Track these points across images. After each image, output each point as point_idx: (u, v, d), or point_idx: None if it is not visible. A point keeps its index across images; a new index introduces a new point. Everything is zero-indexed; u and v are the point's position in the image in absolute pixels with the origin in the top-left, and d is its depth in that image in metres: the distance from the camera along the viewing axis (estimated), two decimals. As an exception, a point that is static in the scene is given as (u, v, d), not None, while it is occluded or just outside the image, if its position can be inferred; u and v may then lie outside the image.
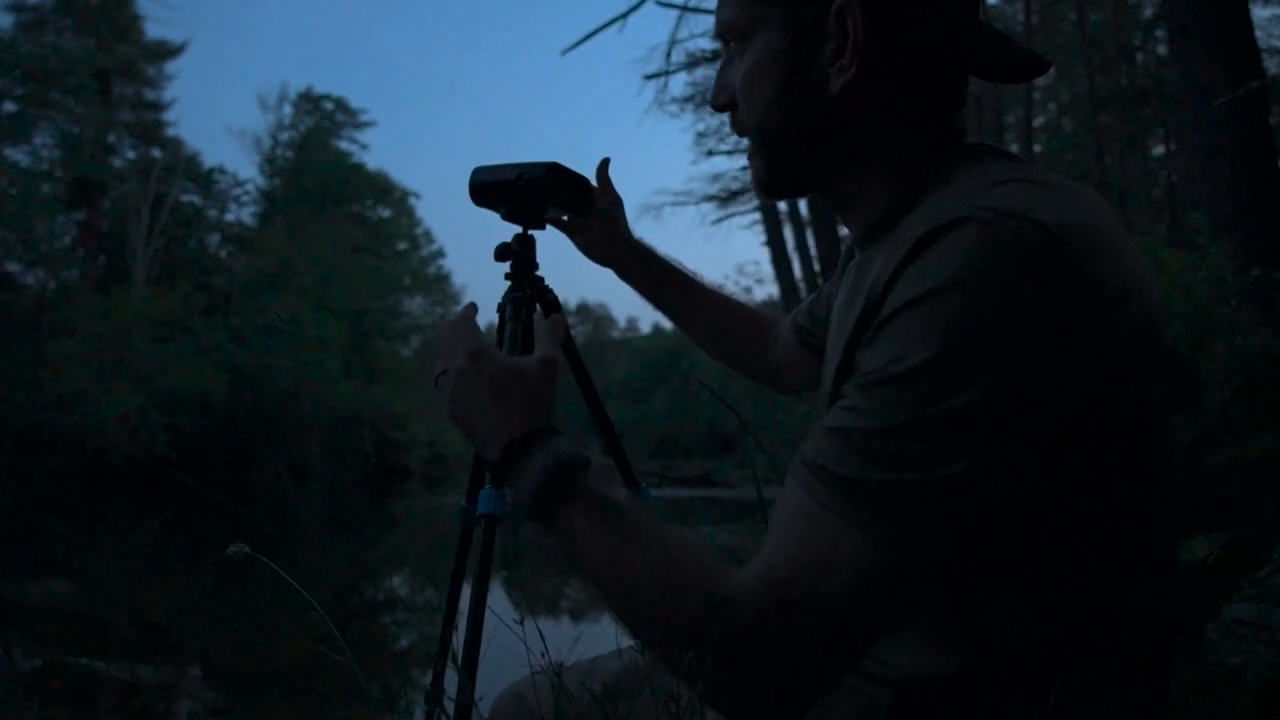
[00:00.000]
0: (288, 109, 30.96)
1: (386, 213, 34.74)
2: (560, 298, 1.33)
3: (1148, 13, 16.65)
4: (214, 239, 29.10)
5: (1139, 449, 0.61)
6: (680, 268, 1.21)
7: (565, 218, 1.23)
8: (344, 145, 32.13)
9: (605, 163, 1.20)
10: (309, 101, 31.47)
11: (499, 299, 1.29)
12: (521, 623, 0.67)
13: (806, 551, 0.57)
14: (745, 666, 0.57)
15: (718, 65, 0.78)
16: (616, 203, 1.20)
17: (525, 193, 1.17)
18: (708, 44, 13.89)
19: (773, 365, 1.16)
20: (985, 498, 0.56)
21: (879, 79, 0.68)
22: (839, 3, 0.66)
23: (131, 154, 26.60)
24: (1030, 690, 0.59)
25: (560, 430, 0.72)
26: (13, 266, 21.14)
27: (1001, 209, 0.56)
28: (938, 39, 0.67)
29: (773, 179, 0.77)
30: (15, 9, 23.84)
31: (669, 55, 13.20)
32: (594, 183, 1.20)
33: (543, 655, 0.73)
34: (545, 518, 0.67)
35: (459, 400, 0.76)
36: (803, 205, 14.21)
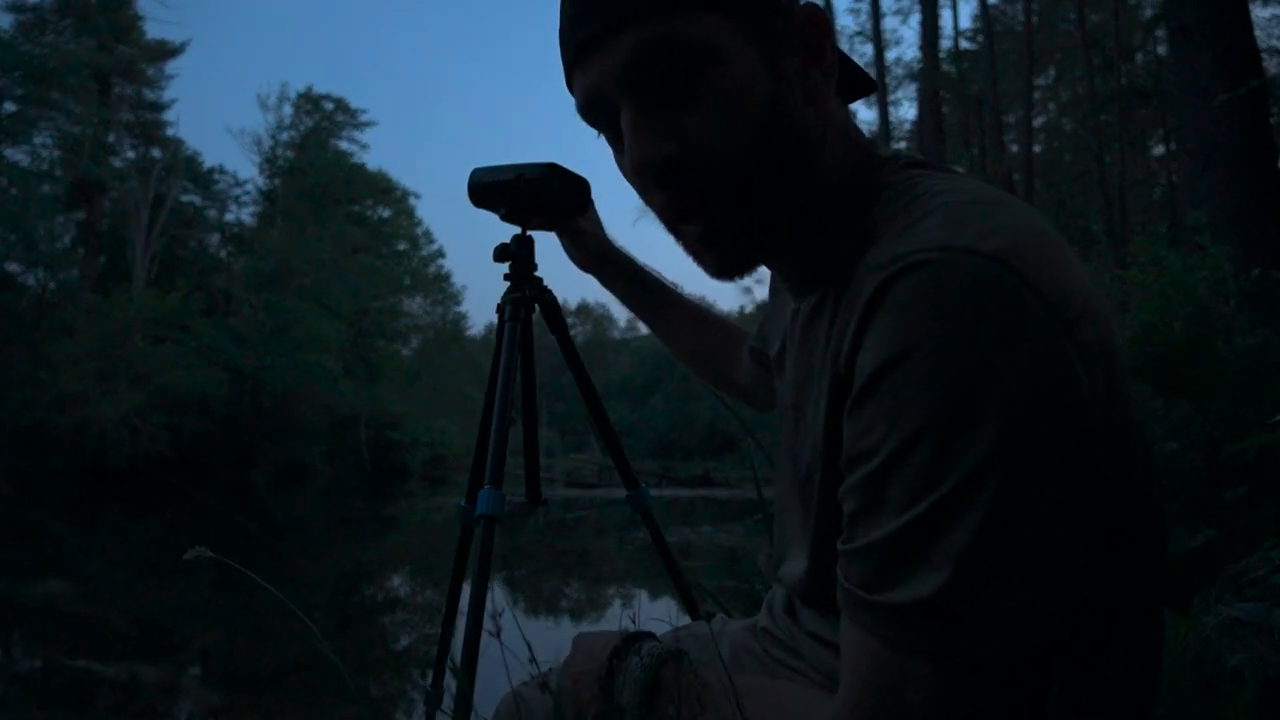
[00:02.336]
0: (288, 109, 31.03)
1: (386, 213, 34.77)
2: (559, 298, 1.34)
3: (1148, 13, 16.65)
4: (214, 239, 29.12)
5: (1125, 445, 0.55)
6: (659, 277, 1.18)
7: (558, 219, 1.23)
8: (344, 145, 32.19)
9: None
10: (309, 101, 31.48)
11: (498, 299, 1.29)
12: (498, 633, 0.67)
13: (874, 693, 0.52)
14: None
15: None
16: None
17: (524, 193, 1.17)
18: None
19: (742, 382, 1.11)
20: (1042, 561, 0.49)
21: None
22: (804, 4, 0.61)
23: (131, 154, 26.61)
24: (1029, 690, 0.58)
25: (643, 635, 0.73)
26: (13, 266, 21.14)
27: (949, 246, 0.51)
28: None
29: (749, 236, 0.62)
30: (15, 9, 23.85)
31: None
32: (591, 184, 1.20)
33: (530, 661, 0.72)
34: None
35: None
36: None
